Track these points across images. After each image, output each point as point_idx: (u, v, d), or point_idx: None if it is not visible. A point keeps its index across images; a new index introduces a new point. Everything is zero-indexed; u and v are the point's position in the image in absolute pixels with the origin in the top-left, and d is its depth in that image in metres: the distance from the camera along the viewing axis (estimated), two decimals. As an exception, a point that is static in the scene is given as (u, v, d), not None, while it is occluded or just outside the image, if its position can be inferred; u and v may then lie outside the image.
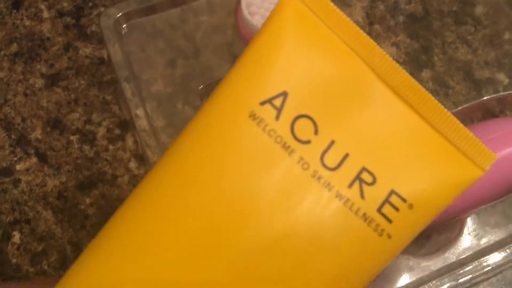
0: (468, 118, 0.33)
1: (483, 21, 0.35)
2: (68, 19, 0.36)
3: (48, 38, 0.35)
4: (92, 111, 0.33)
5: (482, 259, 0.27)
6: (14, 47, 0.35)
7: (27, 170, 0.32)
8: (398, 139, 0.16)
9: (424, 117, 0.16)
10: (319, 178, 0.16)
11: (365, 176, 0.16)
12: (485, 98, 0.33)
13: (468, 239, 0.28)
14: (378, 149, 0.16)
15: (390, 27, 0.35)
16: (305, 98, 0.16)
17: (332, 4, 0.17)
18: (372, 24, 0.35)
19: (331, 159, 0.16)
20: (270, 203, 0.16)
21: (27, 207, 0.31)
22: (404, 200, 0.16)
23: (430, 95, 0.17)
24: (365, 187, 0.16)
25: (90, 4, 0.36)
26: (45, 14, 0.36)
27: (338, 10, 0.17)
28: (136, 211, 0.17)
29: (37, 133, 0.32)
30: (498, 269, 0.27)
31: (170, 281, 0.16)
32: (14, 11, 0.36)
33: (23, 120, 0.33)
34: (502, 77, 0.34)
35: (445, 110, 0.17)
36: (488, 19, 0.35)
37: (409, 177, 0.16)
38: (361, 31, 0.17)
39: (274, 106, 0.16)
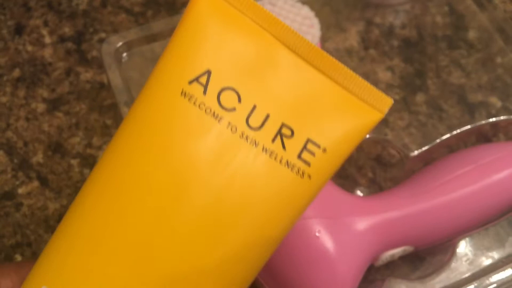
0: (462, 142, 0.33)
1: (476, 45, 0.36)
2: (70, 44, 0.36)
3: (50, 63, 0.36)
4: (93, 135, 0.33)
5: (475, 281, 0.27)
6: (16, 72, 0.36)
7: (28, 193, 0.32)
8: (308, 96, 0.19)
9: (327, 75, 0.20)
10: (247, 137, 0.19)
11: (285, 131, 0.19)
12: (478, 123, 0.33)
13: (461, 261, 0.28)
14: (293, 107, 0.19)
15: (385, 51, 0.36)
16: (226, 73, 0.19)
17: None
18: (367, 48, 0.36)
19: (255, 120, 0.19)
20: (207, 164, 0.18)
21: (29, 230, 0.31)
22: (318, 146, 0.19)
23: (329, 56, 0.20)
24: (285, 139, 0.19)
25: (91, 29, 0.37)
26: (47, 40, 0.37)
27: None
28: (92, 191, 0.19)
29: (39, 157, 0.33)
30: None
31: (129, 253, 0.18)
32: (17, 36, 0.37)
33: (25, 144, 0.33)
34: (494, 100, 0.34)
35: (344, 66, 0.19)
36: (480, 43, 0.36)
37: (321, 126, 0.19)
38: (268, 12, 0.20)
39: (200, 83, 0.19)
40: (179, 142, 0.19)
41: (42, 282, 0.19)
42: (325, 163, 0.19)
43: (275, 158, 0.19)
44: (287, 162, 0.19)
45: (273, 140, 0.19)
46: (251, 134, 0.19)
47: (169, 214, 0.18)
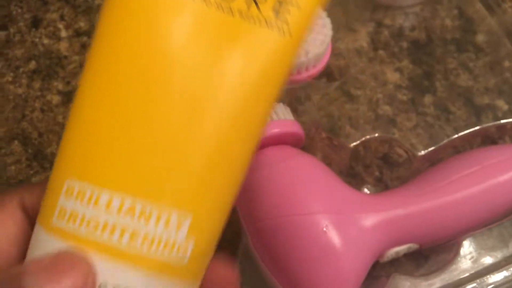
0: (467, 144, 0.34)
1: (484, 49, 0.37)
2: (85, 38, 0.37)
3: (65, 57, 0.37)
4: (106, 128, 0.34)
5: (478, 280, 0.28)
6: (32, 65, 0.36)
7: (42, 183, 0.33)
8: None
9: None
10: (222, 8, 0.19)
11: None
12: (485, 125, 0.34)
13: (465, 260, 0.29)
14: None
15: (394, 52, 0.37)
16: None
17: None
18: (376, 49, 0.36)
19: None
20: (191, 41, 0.19)
21: (42, 219, 0.32)
22: (292, 4, 0.20)
23: None
24: (259, 3, 0.20)
25: (106, 24, 0.38)
26: (63, 34, 0.37)
27: None
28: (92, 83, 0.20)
29: (53, 148, 0.34)
30: (494, 290, 0.28)
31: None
32: (33, 29, 0.37)
33: (40, 135, 0.34)
34: (501, 103, 0.35)
35: None
36: (489, 47, 0.37)
37: None
38: None
39: None
40: (159, 23, 0.19)
41: (65, 176, 0.19)
42: (301, 20, 0.20)
43: (255, 22, 0.19)
44: (267, 22, 0.19)
45: (248, 5, 0.19)
46: (225, 4, 0.19)
47: (160, 94, 0.18)
